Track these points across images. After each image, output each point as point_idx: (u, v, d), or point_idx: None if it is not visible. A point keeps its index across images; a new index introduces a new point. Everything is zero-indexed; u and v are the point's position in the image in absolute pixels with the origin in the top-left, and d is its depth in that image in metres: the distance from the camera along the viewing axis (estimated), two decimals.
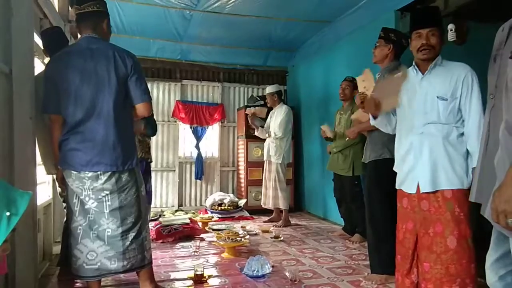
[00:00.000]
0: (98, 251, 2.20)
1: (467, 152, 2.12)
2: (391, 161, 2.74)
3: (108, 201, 2.20)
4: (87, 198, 2.20)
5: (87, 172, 2.18)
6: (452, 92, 2.13)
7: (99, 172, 2.17)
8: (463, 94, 2.12)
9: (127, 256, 2.23)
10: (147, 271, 2.40)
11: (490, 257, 1.48)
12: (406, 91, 2.26)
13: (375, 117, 2.44)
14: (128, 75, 2.21)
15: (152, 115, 4.58)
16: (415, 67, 2.26)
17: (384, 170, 2.80)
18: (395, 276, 2.42)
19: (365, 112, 2.51)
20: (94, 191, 2.20)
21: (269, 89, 5.31)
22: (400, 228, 2.32)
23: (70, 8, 4.21)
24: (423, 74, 2.22)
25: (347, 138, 3.31)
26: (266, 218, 5.37)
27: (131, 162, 2.25)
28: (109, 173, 2.18)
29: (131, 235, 2.25)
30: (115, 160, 2.18)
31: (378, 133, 2.83)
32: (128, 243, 2.23)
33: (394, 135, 2.73)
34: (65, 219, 2.87)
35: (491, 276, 1.48)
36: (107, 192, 2.20)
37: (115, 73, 2.18)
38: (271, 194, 5.08)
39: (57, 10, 3.67)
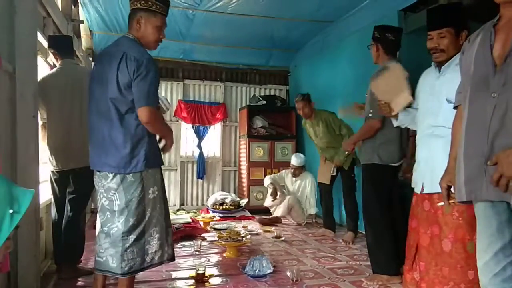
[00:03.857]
0: (104, 247, 2.22)
1: None
2: (380, 166, 2.77)
3: (117, 200, 2.19)
4: (101, 196, 2.24)
5: (98, 171, 2.24)
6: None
7: (106, 171, 2.20)
8: None
9: (125, 258, 2.19)
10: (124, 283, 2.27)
11: (486, 254, 1.47)
12: (424, 89, 2.24)
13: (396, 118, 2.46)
14: (131, 78, 2.11)
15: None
16: (435, 65, 2.21)
17: (373, 174, 2.84)
18: (397, 276, 2.44)
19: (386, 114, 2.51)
20: (105, 189, 2.22)
21: (299, 162, 5.15)
22: (408, 226, 2.33)
23: (73, 7, 4.22)
24: (440, 73, 2.18)
25: (346, 152, 3.36)
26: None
27: (136, 165, 2.17)
28: (114, 173, 2.19)
29: (132, 237, 2.19)
30: (118, 162, 2.16)
31: (369, 139, 2.87)
32: (127, 245, 2.19)
33: (386, 141, 2.76)
34: (56, 216, 2.89)
35: (485, 275, 1.47)
36: (114, 192, 2.20)
37: (118, 76, 2.12)
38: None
39: (60, 9, 3.68)
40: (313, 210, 5.02)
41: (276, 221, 5.15)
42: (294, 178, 5.26)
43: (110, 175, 2.18)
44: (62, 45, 3.04)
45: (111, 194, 2.20)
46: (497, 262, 1.44)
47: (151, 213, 2.24)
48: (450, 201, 1.68)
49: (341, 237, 4.23)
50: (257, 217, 5.32)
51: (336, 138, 4.26)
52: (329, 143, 4.31)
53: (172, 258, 2.34)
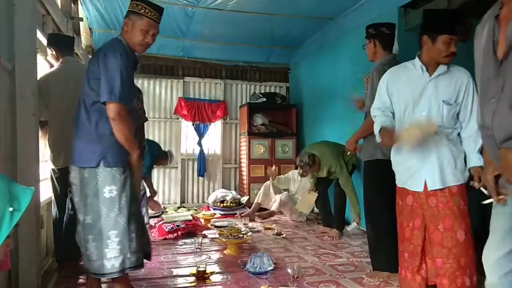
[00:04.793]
0: (82, 245, 2.23)
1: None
2: (384, 162, 2.75)
3: (77, 196, 2.19)
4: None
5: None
6: (456, 98, 2.17)
7: (70, 164, 2.25)
8: (463, 99, 2.18)
9: (89, 258, 2.16)
10: (119, 280, 2.24)
11: (495, 253, 1.44)
12: (410, 88, 2.24)
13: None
14: (99, 70, 2.13)
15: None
16: (423, 66, 2.21)
17: (377, 170, 2.82)
18: (398, 273, 2.43)
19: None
20: (71, 184, 2.26)
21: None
22: (405, 226, 2.32)
23: (72, 5, 4.21)
24: (430, 75, 2.19)
25: (348, 152, 3.32)
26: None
27: (89, 160, 2.13)
28: (73, 166, 2.20)
29: (91, 237, 2.15)
30: (76, 155, 2.18)
31: (371, 135, 2.83)
32: (87, 245, 2.15)
33: None
34: (57, 214, 2.89)
35: (494, 273, 1.44)
36: (75, 187, 2.21)
37: (89, 68, 2.20)
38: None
39: (59, 7, 3.67)
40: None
41: (271, 215, 5.18)
42: (299, 178, 5.26)
43: (71, 168, 2.21)
44: (64, 44, 3.06)
45: (73, 189, 2.22)
46: (507, 262, 1.40)
47: (108, 214, 2.14)
48: (500, 197, 1.45)
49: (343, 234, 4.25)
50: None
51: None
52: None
53: (136, 265, 2.21)
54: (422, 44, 2.20)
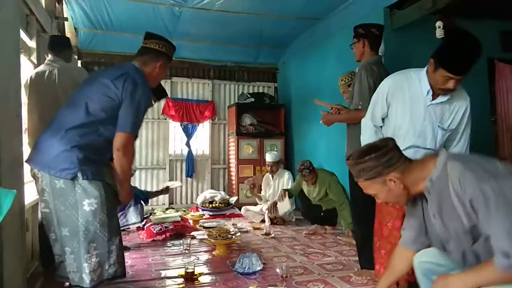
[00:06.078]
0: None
1: None
2: None
3: (51, 206, 2.11)
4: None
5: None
6: (450, 123, 2.22)
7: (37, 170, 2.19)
8: (458, 124, 2.24)
9: (67, 270, 2.09)
10: None
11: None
12: (410, 107, 2.22)
13: None
14: (120, 97, 2.12)
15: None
16: (430, 90, 2.14)
17: None
18: (374, 268, 2.50)
19: None
20: (38, 191, 2.23)
21: (273, 158, 5.15)
22: (384, 224, 2.36)
23: (57, 4, 4.16)
24: (432, 98, 2.16)
25: (321, 121, 3.28)
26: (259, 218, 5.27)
27: (67, 172, 2.04)
28: (43, 172, 2.12)
29: (68, 249, 2.08)
30: (52, 161, 2.07)
31: (354, 129, 2.80)
32: (65, 256, 2.09)
33: None
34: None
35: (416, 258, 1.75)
36: (47, 195, 2.13)
37: (103, 86, 2.14)
38: None
39: (44, 7, 3.62)
40: (292, 206, 4.94)
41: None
42: (272, 177, 5.26)
43: (41, 173, 2.14)
44: (58, 44, 3.07)
45: (45, 196, 2.15)
46: (426, 255, 1.72)
47: (87, 227, 2.06)
48: None
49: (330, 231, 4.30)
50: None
51: (329, 201, 4.46)
52: (321, 201, 4.57)
53: (114, 277, 2.15)
54: (429, 63, 2.09)
